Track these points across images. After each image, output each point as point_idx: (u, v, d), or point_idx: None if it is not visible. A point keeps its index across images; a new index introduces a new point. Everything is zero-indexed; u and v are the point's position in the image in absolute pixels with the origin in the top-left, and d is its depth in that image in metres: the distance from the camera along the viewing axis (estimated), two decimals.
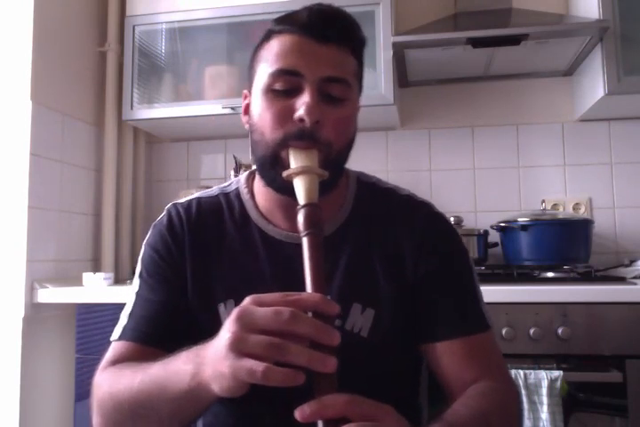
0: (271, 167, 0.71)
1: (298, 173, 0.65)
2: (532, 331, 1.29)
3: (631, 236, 1.84)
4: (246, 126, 0.77)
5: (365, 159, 1.95)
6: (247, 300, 0.53)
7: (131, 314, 0.76)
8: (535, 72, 1.92)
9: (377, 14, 1.72)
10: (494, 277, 1.52)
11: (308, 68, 0.68)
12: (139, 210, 2.06)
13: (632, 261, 1.70)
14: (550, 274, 1.53)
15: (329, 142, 0.69)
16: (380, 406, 0.49)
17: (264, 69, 0.71)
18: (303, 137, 0.68)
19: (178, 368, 0.58)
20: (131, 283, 1.85)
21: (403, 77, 1.92)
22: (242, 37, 1.85)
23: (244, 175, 0.86)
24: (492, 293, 1.25)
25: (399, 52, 1.70)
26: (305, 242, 0.58)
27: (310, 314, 0.51)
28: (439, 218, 0.81)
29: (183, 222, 0.80)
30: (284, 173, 0.67)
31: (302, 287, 0.56)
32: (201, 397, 0.56)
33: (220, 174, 2.10)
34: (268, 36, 0.73)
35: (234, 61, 1.85)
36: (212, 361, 0.53)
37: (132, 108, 1.87)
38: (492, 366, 0.73)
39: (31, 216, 1.59)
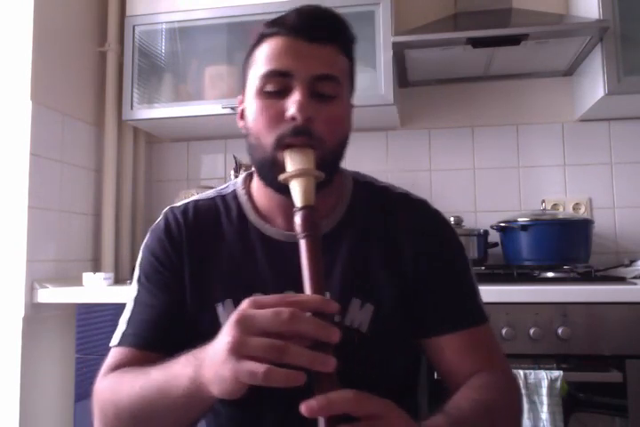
0: (269, 170, 0.71)
1: (294, 176, 0.66)
2: (531, 331, 1.29)
3: (631, 236, 1.84)
4: (243, 131, 0.77)
5: (365, 159, 1.95)
6: (246, 303, 0.53)
7: (129, 320, 0.76)
8: (535, 72, 1.92)
9: (377, 14, 1.72)
10: (494, 277, 1.52)
11: (298, 67, 0.69)
12: (139, 210, 2.06)
13: (632, 261, 1.70)
14: (550, 274, 1.53)
15: (323, 139, 0.70)
16: (384, 402, 0.50)
17: (255, 72, 0.72)
18: (298, 133, 0.68)
19: (177, 372, 0.58)
20: (130, 283, 1.85)
21: (403, 77, 1.92)
22: (242, 37, 1.85)
23: (241, 177, 0.86)
24: (492, 293, 1.25)
25: (399, 52, 1.70)
26: (302, 244, 0.59)
27: (309, 315, 0.52)
28: (436, 215, 0.82)
29: (180, 226, 0.80)
30: (281, 177, 0.67)
31: (301, 287, 0.56)
32: (201, 399, 0.57)
33: (220, 174, 2.10)
34: (259, 40, 0.74)
35: (234, 61, 1.85)
36: (211, 364, 0.53)
37: (132, 108, 1.87)
38: (492, 359, 0.74)
39: (31, 216, 1.59)
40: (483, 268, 1.64)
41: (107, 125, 1.92)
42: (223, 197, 0.84)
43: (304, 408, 0.47)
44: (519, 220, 1.67)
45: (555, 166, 1.92)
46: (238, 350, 0.50)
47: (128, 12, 1.90)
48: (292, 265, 0.61)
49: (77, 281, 1.65)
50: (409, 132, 2.01)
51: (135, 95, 1.87)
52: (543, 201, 1.81)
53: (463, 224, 1.79)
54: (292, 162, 0.68)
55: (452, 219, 1.73)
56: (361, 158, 1.93)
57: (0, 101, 1.63)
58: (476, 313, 0.76)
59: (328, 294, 0.73)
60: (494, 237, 1.78)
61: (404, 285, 0.76)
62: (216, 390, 0.53)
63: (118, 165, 1.97)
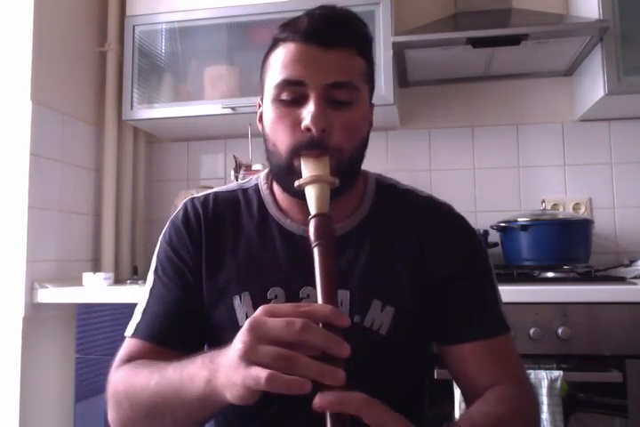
0: (286, 176, 0.72)
1: (308, 183, 0.66)
2: (532, 331, 1.29)
3: (631, 236, 1.84)
4: (262, 134, 0.77)
5: (365, 159, 1.94)
6: (260, 310, 0.53)
7: (144, 311, 0.77)
8: (535, 72, 1.92)
9: (377, 14, 1.72)
10: None
11: (312, 76, 0.69)
12: (139, 210, 2.06)
13: (632, 261, 1.70)
14: (550, 274, 1.53)
15: (339, 148, 0.70)
16: (392, 413, 0.49)
17: (271, 80, 0.72)
18: (313, 146, 0.68)
19: (193, 373, 0.59)
20: (131, 283, 1.85)
21: (403, 77, 1.92)
22: (242, 37, 1.86)
23: (264, 172, 0.86)
24: None
25: (399, 52, 1.70)
26: (316, 252, 0.59)
27: (321, 325, 0.52)
28: (460, 220, 0.81)
29: (200, 217, 0.80)
30: (296, 184, 0.68)
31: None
32: (215, 402, 0.57)
33: (220, 174, 2.10)
34: (273, 44, 0.74)
35: (234, 61, 1.85)
36: (224, 369, 0.54)
37: (132, 108, 1.87)
38: (511, 370, 0.73)
39: (31, 216, 1.59)
40: None
41: (107, 125, 1.92)
42: (245, 191, 0.84)
43: (317, 400, 0.47)
44: (519, 220, 1.67)
45: (555, 166, 1.92)
46: (249, 357, 0.50)
47: (128, 12, 1.90)
48: (310, 261, 0.61)
49: (77, 281, 1.65)
50: (409, 132, 2.01)
51: (135, 95, 1.87)
52: (543, 201, 1.81)
53: None
54: (306, 169, 0.68)
55: None
56: None
57: (0, 101, 1.63)
58: (499, 323, 0.76)
59: (341, 293, 0.73)
60: (494, 237, 1.77)
61: (426, 289, 0.76)
62: (229, 395, 0.53)
63: (118, 164, 1.97)
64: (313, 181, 0.66)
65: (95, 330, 1.53)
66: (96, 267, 1.89)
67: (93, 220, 1.91)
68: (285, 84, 0.70)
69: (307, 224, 0.67)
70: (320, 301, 0.55)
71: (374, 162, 2.00)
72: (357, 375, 0.51)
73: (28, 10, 1.63)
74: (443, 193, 1.90)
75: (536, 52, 1.71)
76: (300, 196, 0.69)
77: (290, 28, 0.71)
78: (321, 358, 0.49)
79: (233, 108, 1.75)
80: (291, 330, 0.49)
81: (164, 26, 1.89)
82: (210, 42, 1.87)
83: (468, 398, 0.71)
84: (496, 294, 0.78)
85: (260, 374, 0.48)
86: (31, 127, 1.60)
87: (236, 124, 1.88)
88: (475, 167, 1.96)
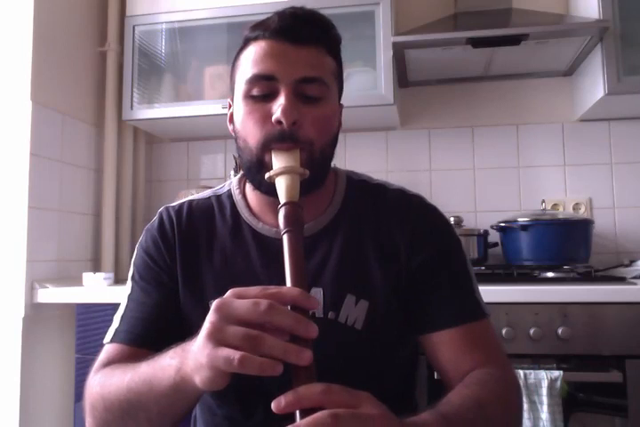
0: (257, 171, 0.72)
1: (279, 174, 0.67)
2: (532, 331, 1.29)
3: (631, 236, 1.84)
4: (232, 134, 0.78)
5: (365, 159, 1.95)
6: (229, 292, 0.54)
7: (123, 316, 0.77)
8: (535, 72, 1.92)
9: (377, 14, 1.72)
10: (494, 277, 1.52)
11: (282, 71, 0.70)
12: (139, 210, 2.06)
13: (632, 261, 1.70)
14: (550, 274, 1.53)
15: (310, 141, 0.71)
16: (356, 393, 0.49)
17: (241, 76, 0.73)
18: (284, 138, 0.69)
19: (164, 364, 0.59)
20: None
21: (403, 77, 1.92)
22: (242, 37, 1.85)
23: (236, 177, 0.87)
24: (492, 293, 1.25)
25: (399, 52, 1.70)
26: (285, 239, 0.60)
27: (289, 308, 0.52)
28: (431, 209, 0.82)
29: (174, 225, 0.81)
30: (266, 175, 0.68)
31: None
32: (186, 391, 0.57)
33: (220, 174, 2.10)
34: (244, 44, 0.75)
35: None
36: (193, 353, 0.54)
37: (132, 108, 1.87)
38: (490, 355, 0.72)
39: (31, 216, 1.59)
40: (483, 268, 1.64)
41: (107, 125, 1.92)
42: (218, 197, 0.85)
43: (274, 405, 0.47)
44: (519, 220, 1.67)
45: (555, 166, 1.92)
46: (215, 337, 0.50)
47: (128, 12, 1.90)
48: (283, 263, 0.61)
49: (77, 281, 1.65)
50: (409, 133, 2.01)
51: (135, 95, 1.87)
52: (543, 201, 1.81)
53: (463, 224, 1.79)
54: (277, 161, 0.69)
55: (452, 219, 1.73)
56: (361, 158, 1.93)
57: (0, 101, 1.63)
58: (473, 308, 0.75)
59: (314, 291, 0.74)
60: (494, 237, 1.78)
61: (399, 280, 0.76)
62: (198, 379, 0.53)
63: (118, 165, 1.97)
64: (283, 171, 0.67)
65: (95, 330, 1.53)
66: (96, 267, 1.89)
67: (93, 220, 1.91)
68: (256, 79, 0.71)
69: (278, 226, 0.67)
70: (289, 284, 0.55)
71: (374, 162, 2.02)
72: (337, 371, 0.51)
73: (27, 10, 1.63)
74: (442, 193, 1.93)
75: (536, 52, 1.71)
76: (271, 192, 0.69)
77: (260, 27, 0.73)
78: (290, 341, 0.49)
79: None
80: (257, 310, 0.49)
81: (163, 26, 1.89)
82: (210, 42, 1.87)
83: (449, 386, 0.70)
84: (471, 281, 0.78)
85: (232, 355, 0.48)
86: (31, 127, 1.60)
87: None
88: (475, 167, 1.97)
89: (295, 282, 0.55)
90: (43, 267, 1.63)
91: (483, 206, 1.94)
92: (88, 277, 1.63)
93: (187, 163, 2.16)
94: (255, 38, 0.73)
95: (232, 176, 1.79)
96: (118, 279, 1.79)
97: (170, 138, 2.17)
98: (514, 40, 1.61)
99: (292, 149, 0.69)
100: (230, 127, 0.79)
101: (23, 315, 1.54)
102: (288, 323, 0.50)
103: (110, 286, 1.63)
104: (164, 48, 1.91)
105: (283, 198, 0.65)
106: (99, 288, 1.59)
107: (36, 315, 1.58)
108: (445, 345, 0.72)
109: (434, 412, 0.57)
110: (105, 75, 1.93)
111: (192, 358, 0.54)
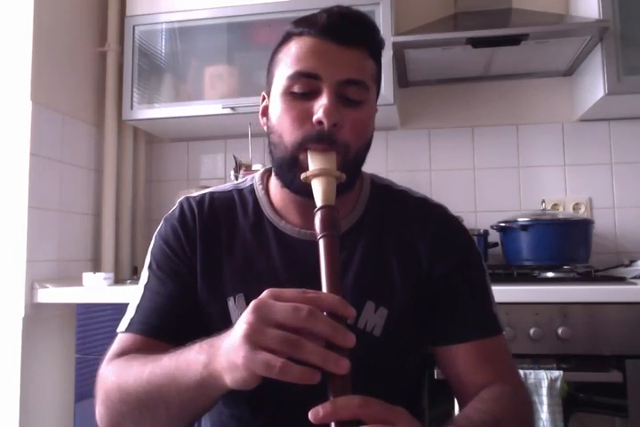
0: (289, 169, 0.71)
1: (316, 175, 0.66)
2: (532, 331, 1.29)
3: (631, 236, 1.84)
4: (264, 128, 0.77)
5: (365, 159, 1.95)
6: (265, 293, 0.53)
7: (138, 306, 0.76)
8: (535, 72, 1.92)
9: (377, 14, 1.72)
10: (494, 277, 1.51)
11: (327, 70, 0.69)
12: (139, 210, 2.06)
13: (632, 261, 1.70)
14: (550, 274, 1.53)
15: (347, 144, 0.70)
16: (393, 408, 0.49)
17: (282, 72, 0.71)
18: (322, 140, 0.68)
19: (190, 359, 0.58)
20: (130, 283, 1.85)
21: (403, 77, 1.92)
22: (242, 37, 1.86)
23: (259, 172, 0.85)
24: None
25: (399, 52, 1.70)
26: (321, 244, 0.59)
27: (325, 314, 0.51)
28: (454, 221, 0.81)
29: (195, 216, 0.79)
30: (303, 175, 0.67)
31: (313, 284, 0.56)
32: (212, 387, 0.56)
33: (220, 174, 2.10)
34: (286, 39, 0.73)
35: (234, 61, 1.85)
36: (226, 351, 0.53)
37: (132, 108, 1.87)
38: (504, 371, 0.72)
39: (31, 216, 1.59)
40: None
41: (107, 125, 1.92)
42: (240, 191, 0.83)
43: (311, 415, 0.46)
44: (519, 220, 1.67)
45: (555, 166, 1.92)
46: (253, 338, 0.49)
47: (128, 12, 1.90)
48: (304, 263, 0.60)
49: (77, 281, 1.65)
50: (409, 133, 2.01)
51: (135, 95, 1.87)
52: (543, 201, 1.81)
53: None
54: (313, 162, 0.68)
55: None
56: None
57: (0, 101, 1.63)
58: (491, 323, 0.75)
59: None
60: (494, 237, 1.78)
61: (418, 290, 0.75)
62: (228, 378, 0.52)
63: (118, 165, 1.97)
64: (321, 173, 0.66)
65: (95, 330, 1.53)
66: (96, 267, 1.89)
67: (93, 220, 1.91)
68: (298, 77, 0.69)
69: (301, 226, 0.66)
70: (325, 291, 0.55)
71: (374, 162, 2.00)
72: (354, 377, 0.50)
73: (28, 10, 1.63)
74: (442, 193, 1.93)
75: (536, 52, 1.71)
76: (301, 192, 0.69)
77: (306, 23, 0.71)
78: (326, 348, 0.49)
79: (233, 108, 1.75)
80: (297, 316, 0.49)
81: (163, 26, 1.89)
82: (210, 42, 1.87)
83: (461, 400, 0.71)
84: (489, 295, 0.78)
85: (274, 361, 0.47)
86: (31, 127, 1.60)
87: (236, 125, 1.88)
88: (474, 167, 1.97)
89: (331, 288, 0.55)
90: (43, 267, 1.63)
91: (483, 206, 1.94)
92: (88, 277, 1.63)
93: (187, 163, 2.16)
94: (300, 34, 0.71)
95: (232, 176, 1.79)
96: (118, 279, 1.80)
97: (170, 138, 2.17)
98: (514, 40, 1.61)
99: (328, 150, 0.68)
100: (262, 121, 0.78)
101: (23, 315, 1.54)
102: (327, 331, 0.49)
103: (110, 286, 1.63)
104: (163, 48, 1.91)
105: (319, 202, 0.63)
106: (99, 288, 1.58)
107: (36, 315, 1.58)
108: (460, 359, 0.72)
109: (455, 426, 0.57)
110: (105, 75, 1.93)
111: (224, 356, 0.52)
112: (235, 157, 1.86)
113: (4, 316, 1.55)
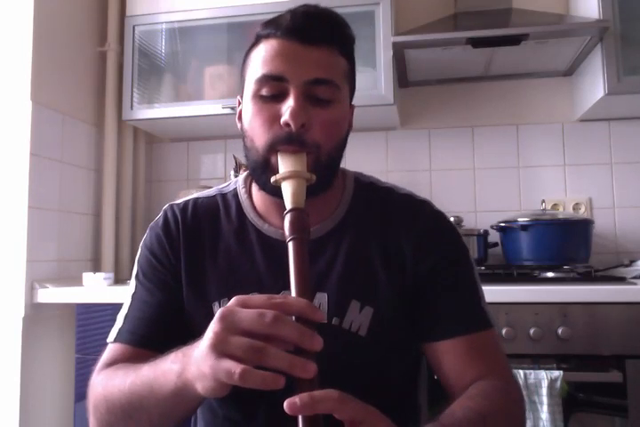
0: (262, 172, 0.71)
1: (285, 178, 0.66)
2: (532, 331, 1.29)
3: (631, 236, 1.84)
4: (240, 132, 0.77)
5: (365, 159, 1.95)
6: (233, 300, 0.53)
7: (126, 316, 0.77)
8: (535, 72, 1.92)
9: (377, 14, 1.72)
10: (494, 277, 1.52)
11: (293, 72, 0.68)
12: (139, 210, 2.06)
13: (632, 261, 1.70)
14: (550, 274, 1.53)
15: (317, 145, 0.69)
16: (366, 407, 0.49)
17: (252, 75, 0.72)
18: (291, 141, 0.68)
19: (166, 368, 0.58)
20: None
21: (403, 77, 1.92)
22: (242, 37, 1.85)
23: (242, 176, 0.86)
24: (492, 293, 1.24)
25: (399, 52, 1.70)
26: (290, 247, 0.58)
27: (294, 319, 0.51)
28: (439, 216, 0.80)
29: (179, 223, 0.80)
30: (272, 179, 0.67)
31: None
32: (188, 396, 0.56)
33: (220, 174, 2.10)
34: (255, 42, 0.74)
35: (234, 61, 1.85)
36: (195, 360, 0.53)
37: (132, 108, 1.87)
38: (494, 366, 0.72)
39: (31, 216, 1.59)
40: (483, 268, 1.64)
41: (107, 125, 1.92)
42: (224, 196, 0.83)
43: (286, 405, 0.46)
44: (519, 220, 1.67)
45: (555, 166, 1.92)
46: (219, 348, 0.49)
47: (128, 12, 1.90)
48: (288, 265, 0.60)
49: (77, 281, 1.65)
50: (409, 133, 2.01)
51: (135, 95, 1.87)
52: (543, 201, 1.81)
53: (463, 224, 1.80)
54: (283, 164, 0.68)
55: (452, 219, 1.72)
56: (361, 158, 1.93)
57: (0, 101, 1.63)
58: (478, 319, 0.74)
59: (319, 296, 0.73)
60: (494, 237, 1.78)
61: (404, 287, 0.75)
62: (200, 387, 0.53)
63: (118, 165, 1.97)
64: (289, 176, 0.66)
65: (95, 330, 1.53)
66: (96, 267, 1.89)
67: (93, 220, 1.91)
68: (266, 80, 0.69)
69: (283, 228, 0.66)
70: (294, 295, 0.54)
71: (374, 162, 2.02)
72: (341, 377, 0.50)
73: (28, 10, 1.63)
74: (442, 193, 1.93)
75: (536, 52, 1.71)
76: (276, 193, 0.68)
77: (272, 25, 0.72)
78: (293, 353, 0.49)
79: (233, 108, 1.75)
80: (262, 321, 0.49)
81: (163, 26, 1.89)
82: (210, 42, 1.87)
83: (451, 396, 0.70)
84: (477, 291, 0.77)
85: (233, 368, 0.47)
86: (31, 127, 1.60)
87: (236, 125, 1.88)
88: (474, 167, 1.97)
89: (300, 291, 0.54)
90: (43, 267, 1.63)
91: (483, 206, 1.94)
92: (88, 277, 1.63)
93: (187, 163, 2.16)
94: (267, 36, 0.72)
95: (232, 176, 1.79)
96: (118, 279, 1.79)
97: (170, 138, 2.17)
98: (514, 40, 1.61)
99: (298, 152, 0.68)
100: (239, 125, 0.78)
101: (23, 315, 1.54)
102: (293, 335, 0.49)
103: (110, 286, 1.63)
104: (163, 48, 1.91)
105: (288, 204, 0.63)
106: (99, 288, 1.59)
107: (36, 315, 1.58)
108: (449, 355, 0.72)
109: (437, 425, 0.57)
110: (105, 75, 1.93)
111: (194, 365, 0.53)
112: (235, 157, 1.86)
113: (4, 316, 1.55)
